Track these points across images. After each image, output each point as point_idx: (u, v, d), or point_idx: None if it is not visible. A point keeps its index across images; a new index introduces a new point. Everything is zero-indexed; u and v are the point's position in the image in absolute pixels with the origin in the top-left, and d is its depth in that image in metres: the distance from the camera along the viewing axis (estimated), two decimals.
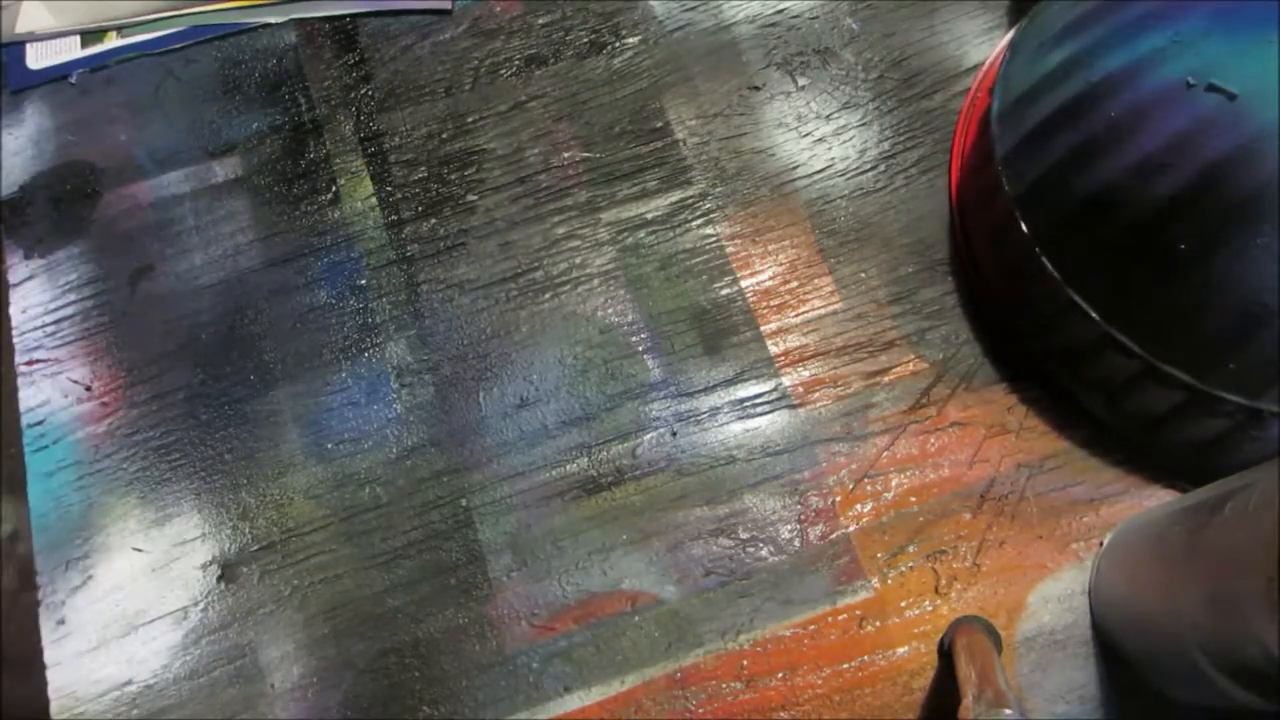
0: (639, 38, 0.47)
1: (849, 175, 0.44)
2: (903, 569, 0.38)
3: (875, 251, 0.43)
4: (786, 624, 0.38)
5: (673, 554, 0.39)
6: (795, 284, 0.43)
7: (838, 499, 0.39)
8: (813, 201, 0.44)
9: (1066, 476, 0.39)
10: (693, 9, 0.47)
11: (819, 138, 0.45)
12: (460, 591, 0.39)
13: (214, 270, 0.44)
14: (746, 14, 0.47)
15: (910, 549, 0.39)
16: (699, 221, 0.44)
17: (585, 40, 0.47)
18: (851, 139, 0.44)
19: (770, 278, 0.43)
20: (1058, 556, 0.38)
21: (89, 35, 0.49)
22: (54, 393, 0.42)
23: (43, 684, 0.38)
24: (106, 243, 0.45)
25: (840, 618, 0.38)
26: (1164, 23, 0.35)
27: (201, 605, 0.39)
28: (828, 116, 0.45)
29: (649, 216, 0.44)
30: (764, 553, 0.39)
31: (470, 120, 0.46)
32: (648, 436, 0.40)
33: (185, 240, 0.45)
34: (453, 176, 0.45)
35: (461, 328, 0.42)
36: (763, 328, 0.42)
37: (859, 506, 0.39)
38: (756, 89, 0.46)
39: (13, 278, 0.45)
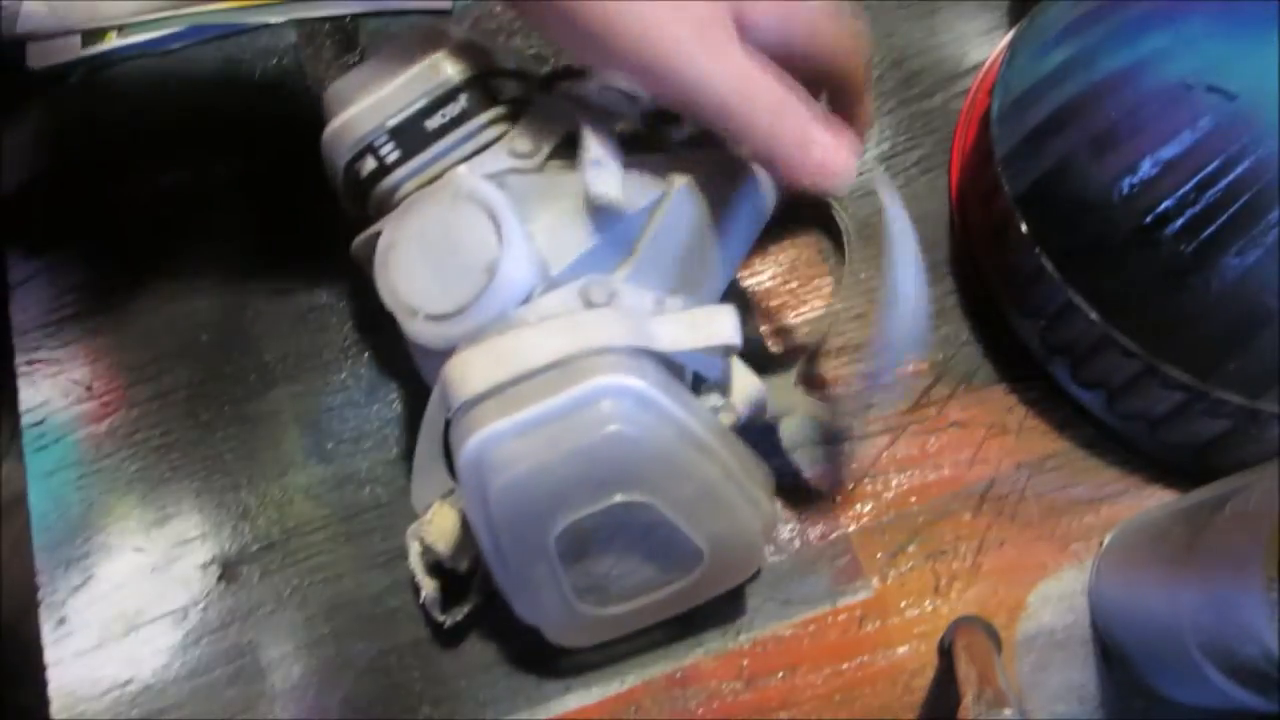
0: None
1: None
2: (903, 569, 0.38)
3: (875, 252, 0.43)
4: (786, 624, 0.38)
5: None
6: (795, 284, 0.43)
7: (838, 499, 0.39)
8: (812, 201, 0.44)
9: (1066, 476, 0.39)
10: None
11: None
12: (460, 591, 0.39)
13: (214, 270, 0.44)
14: None
15: (910, 549, 0.39)
16: None
17: None
18: None
19: (770, 278, 0.43)
20: (1058, 556, 0.38)
21: (89, 35, 0.49)
22: (54, 393, 0.42)
23: (43, 684, 0.38)
24: (106, 243, 0.45)
25: (840, 617, 0.38)
26: (1164, 23, 0.35)
27: (201, 605, 0.39)
28: None
29: None
30: (764, 552, 0.39)
31: None
32: None
33: (185, 240, 0.45)
34: None
35: None
36: (763, 328, 0.42)
37: (859, 506, 0.39)
38: None
39: (13, 278, 0.45)
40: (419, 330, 0.32)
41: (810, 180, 0.32)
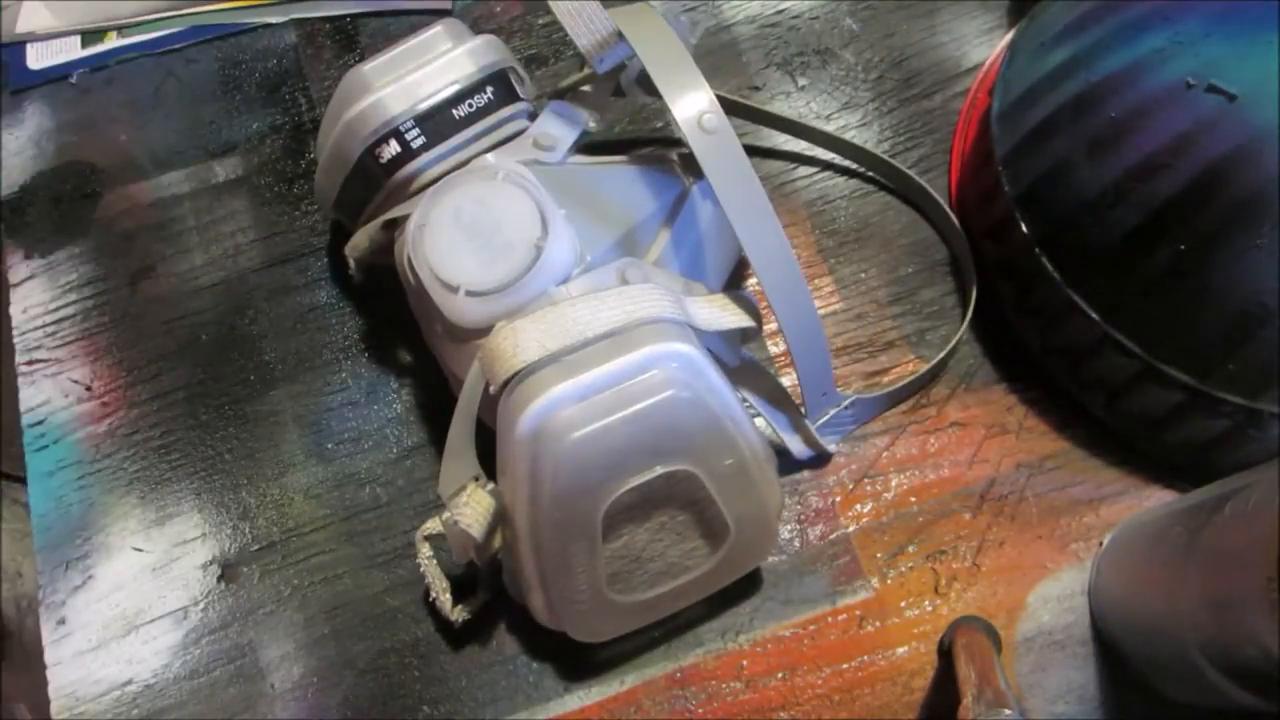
0: None
1: (849, 175, 0.44)
2: (903, 569, 0.38)
3: (875, 251, 0.43)
4: (786, 624, 0.38)
5: None
6: None
7: (838, 499, 0.39)
8: (813, 201, 0.44)
9: (1066, 476, 0.39)
10: (693, 9, 0.47)
11: None
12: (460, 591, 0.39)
13: (214, 270, 0.44)
14: (746, 14, 0.47)
15: (910, 549, 0.39)
16: None
17: None
18: (851, 139, 0.44)
19: None
20: (1058, 556, 0.38)
21: (89, 35, 0.49)
22: (54, 393, 0.42)
23: (43, 684, 0.38)
24: (106, 243, 0.45)
25: (840, 618, 0.38)
26: (1164, 23, 0.35)
27: (201, 605, 0.39)
28: (828, 116, 0.45)
29: None
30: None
31: None
32: None
33: (185, 240, 0.45)
34: None
35: None
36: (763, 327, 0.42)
37: (859, 506, 0.39)
38: (756, 89, 0.46)
39: (13, 278, 0.45)
40: (458, 306, 0.32)
41: None
